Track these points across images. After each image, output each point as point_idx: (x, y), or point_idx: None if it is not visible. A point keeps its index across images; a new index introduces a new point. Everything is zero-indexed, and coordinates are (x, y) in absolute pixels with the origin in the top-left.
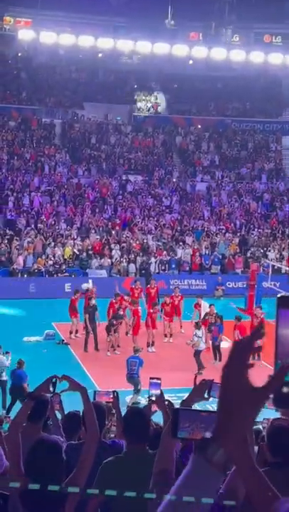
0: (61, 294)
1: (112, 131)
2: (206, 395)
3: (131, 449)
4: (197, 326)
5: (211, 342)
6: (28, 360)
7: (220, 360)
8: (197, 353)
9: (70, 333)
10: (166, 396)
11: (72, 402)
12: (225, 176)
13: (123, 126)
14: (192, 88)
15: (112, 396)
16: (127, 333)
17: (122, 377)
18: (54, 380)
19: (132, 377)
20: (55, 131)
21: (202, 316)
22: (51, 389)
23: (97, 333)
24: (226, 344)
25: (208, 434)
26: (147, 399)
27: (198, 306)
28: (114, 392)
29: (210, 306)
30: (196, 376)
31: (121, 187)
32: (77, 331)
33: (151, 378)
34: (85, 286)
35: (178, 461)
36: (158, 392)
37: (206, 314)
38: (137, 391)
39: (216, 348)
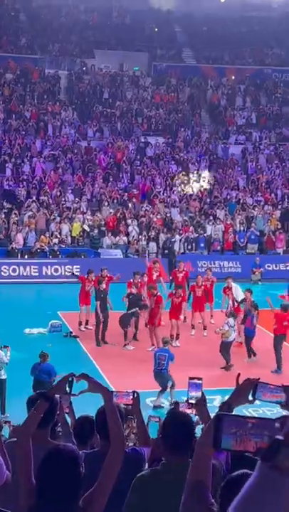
0: (68, 277)
1: (129, 84)
2: (250, 397)
3: (171, 461)
4: (231, 314)
5: (244, 335)
6: (30, 356)
7: (253, 355)
8: (225, 346)
9: (80, 324)
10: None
11: (82, 404)
12: (264, 138)
13: (141, 77)
14: (224, 32)
15: (131, 398)
16: (146, 325)
17: (140, 375)
18: (71, 379)
19: (161, 374)
20: (61, 85)
21: (233, 302)
22: (68, 389)
23: (108, 323)
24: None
25: (279, 437)
26: (185, 402)
27: (227, 289)
28: (134, 392)
29: (246, 291)
30: (238, 375)
31: (139, 151)
32: (87, 322)
33: (190, 378)
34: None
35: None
36: (199, 394)
37: (243, 300)
38: (162, 391)
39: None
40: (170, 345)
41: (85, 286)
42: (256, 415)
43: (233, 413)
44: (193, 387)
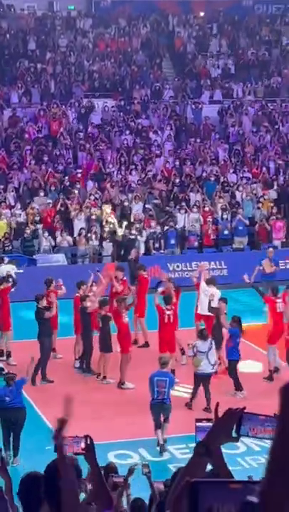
0: None
1: (62, 28)
2: (234, 434)
3: None
4: (201, 335)
5: (226, 360)
6: None
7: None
8: (199, 380)
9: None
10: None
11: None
12: (247, 92)
13: (79, 19)
14: None
15: (83, 444)
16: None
17: (96, 420)
18: None
19: (164, 406)
20: None
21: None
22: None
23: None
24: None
25: (252, 499)
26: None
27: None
28: (86, 438)
29: (220, 301)
30: (217, 405)
31: (81, 118)
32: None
33: (197, 421)
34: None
35: None
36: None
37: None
38: (165, 420)
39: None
40: (167, 367)
41: (6, 302)
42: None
43: (210, 479)
44: (202, 431)
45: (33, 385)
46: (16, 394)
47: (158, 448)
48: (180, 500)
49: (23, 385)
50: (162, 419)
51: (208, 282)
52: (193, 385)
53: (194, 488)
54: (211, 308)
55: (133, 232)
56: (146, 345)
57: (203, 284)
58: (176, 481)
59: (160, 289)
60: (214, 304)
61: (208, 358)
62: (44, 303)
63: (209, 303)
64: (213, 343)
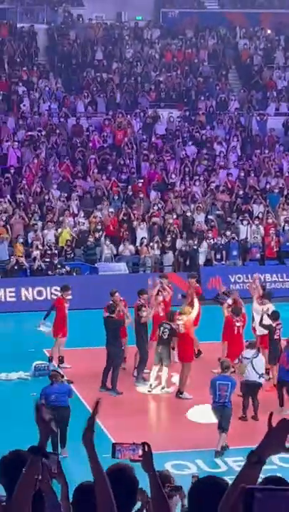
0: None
1: (130, 39)
2: (288, 444)
3: None
4: (250, 344)
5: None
6: (7, 409)
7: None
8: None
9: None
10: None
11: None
12: None
13: (147, 30)
14: None
15: (140, 452)
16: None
17: (157, 432)
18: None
19: (225, 409)
20: (38, 44)
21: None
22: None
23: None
24: None
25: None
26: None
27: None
28: (144, 445)
29: (272, 313)
30: (270, 414)
31: (146, 129)
32: (62, 359)
33: None
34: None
35: None
36: None
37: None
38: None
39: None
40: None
41: (62, 309)
42: None
43: (268, 486)
44: None
45: (120, 394)
46: (61, 393)
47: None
48: (236, 508)
49: (71, 392)
50: (219, 424)
51: (264, 297)
52: (241, 396)
53: (249, 495)
54: (263, 325)
55: (194, 242)
56: (199, 353)
57: (254, 305)
58: (228, 490)
59: (229, 301)
60: (266, 321)
61: (253, 366)
62: (117, 313)
63: (261, 319)
64: (259, 352)
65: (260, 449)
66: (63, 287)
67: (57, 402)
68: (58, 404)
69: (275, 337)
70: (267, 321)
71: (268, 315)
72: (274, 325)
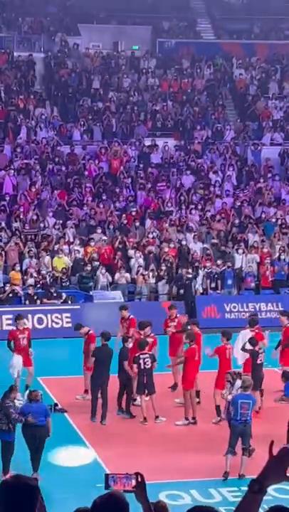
0: (52, 332)
1: (126, 68)
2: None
3: None
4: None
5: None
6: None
7: None
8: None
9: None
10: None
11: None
12: None
13: (143, 59)
14: None
15: (133, 482)
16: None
17: (150, 458)
18: None
19: (246, 426)
20: (35, 72)
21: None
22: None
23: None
24: None
25: None
26: None
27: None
28: (137, 475)
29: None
30: (272, 443)
31: (142, 157)
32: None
33: None
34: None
35: None
36: None
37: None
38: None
39: None
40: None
41: (18, 340)
42: None
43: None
44: None
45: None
46: (39, 413)
47: (223, 476)
48: None
49: (48, 412)
50: (242, 446)
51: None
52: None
53: None
54: (245, 349)
55: (190, 271)
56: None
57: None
58: None
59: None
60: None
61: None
62: (130, 344)
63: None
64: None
65: (261, 478)
66: (17, 317)
67: (34, 421)
68: (35, 424)
69: (258, 361)
70: (248, 346)
71: (248, 340)
72: (256, 349)
